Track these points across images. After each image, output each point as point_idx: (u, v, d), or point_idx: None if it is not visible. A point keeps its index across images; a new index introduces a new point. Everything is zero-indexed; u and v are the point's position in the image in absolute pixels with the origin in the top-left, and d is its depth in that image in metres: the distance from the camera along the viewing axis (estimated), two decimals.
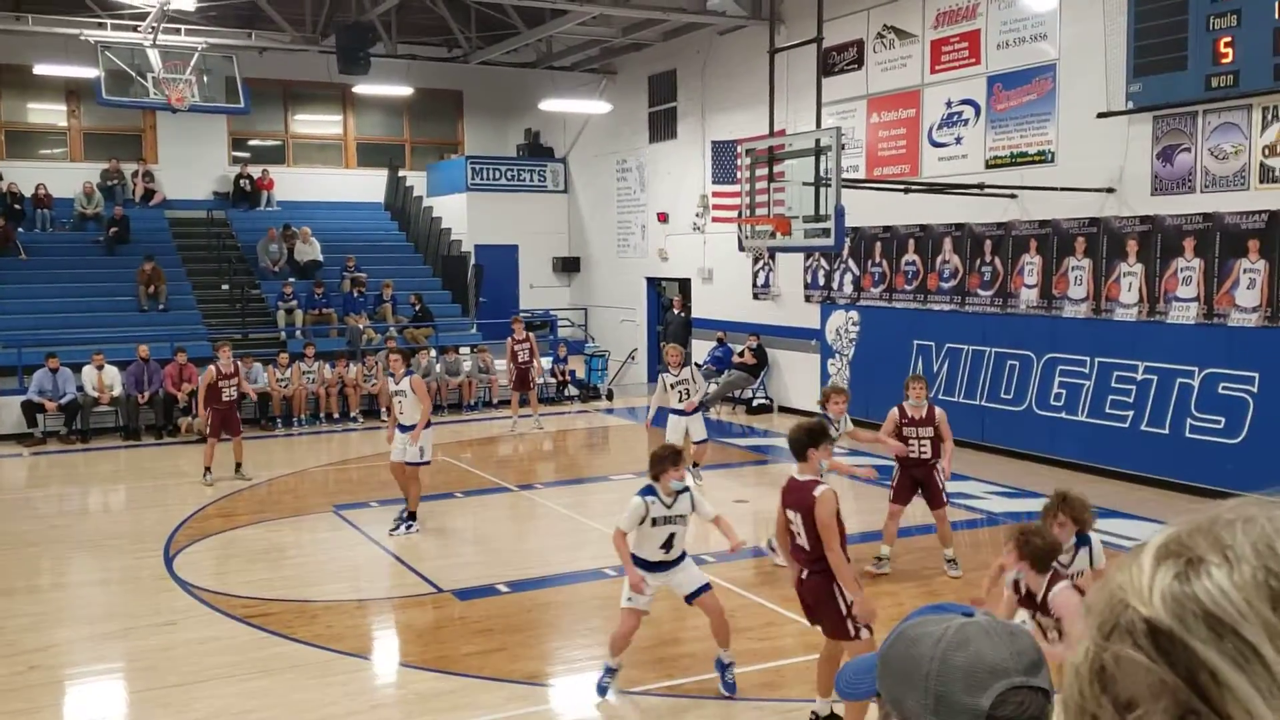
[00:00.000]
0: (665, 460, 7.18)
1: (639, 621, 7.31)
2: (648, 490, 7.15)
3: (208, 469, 14.30)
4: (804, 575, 6.75)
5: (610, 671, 7.38)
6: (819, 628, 6.86)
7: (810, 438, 6.80)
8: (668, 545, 7.24)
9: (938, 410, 10.10)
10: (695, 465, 13.09)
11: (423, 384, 12.22)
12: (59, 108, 25.05)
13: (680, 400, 13.21)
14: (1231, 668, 0.71)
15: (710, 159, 21.06)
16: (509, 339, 18.52)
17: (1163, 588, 0.77)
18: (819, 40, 12.79)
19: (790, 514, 6.74)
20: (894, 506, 10.06)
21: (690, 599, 7.41)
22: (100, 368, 17.82)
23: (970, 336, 15.64)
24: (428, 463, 11.79)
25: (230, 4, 20.39)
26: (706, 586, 7.42)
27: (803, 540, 6.66)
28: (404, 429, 11.68)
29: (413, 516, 11.71)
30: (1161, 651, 0.74)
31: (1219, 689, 0.71)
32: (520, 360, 18.13)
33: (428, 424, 11.70)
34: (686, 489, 7.26)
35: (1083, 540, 6.46)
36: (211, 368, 14.56)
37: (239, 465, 14.54)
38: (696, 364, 16.72)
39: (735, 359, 19.75)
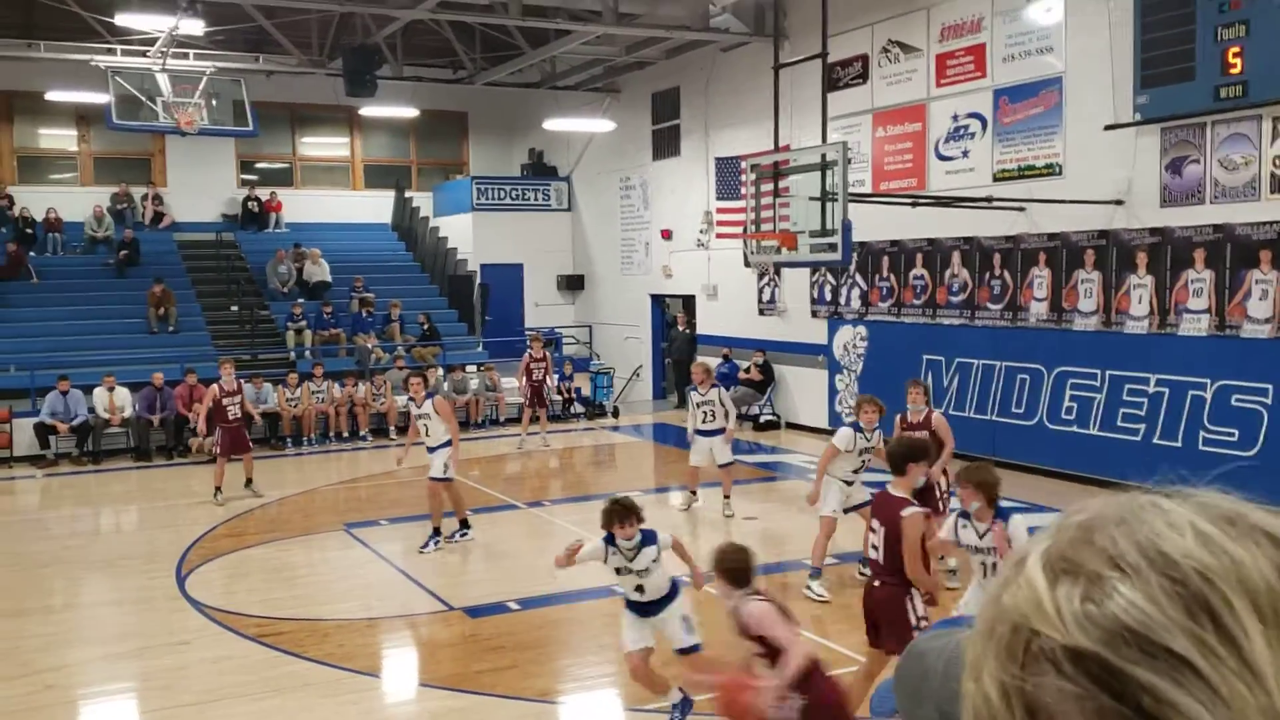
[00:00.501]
0: (610, 515, 6.75)
1: (646, 659, 6.99)
2: (609, 538, 6.79)
3: (218, 489, 14.34)
4: (876, 584, 6.76)
5: (678, 707, 7.01)
6: (870, 640, 6.84)
7: (911, 453, 6.80)
8: (640, 590, 6.92)
9: (935, 415, 10.08)
10: (726, 498, 12.96)
11: (446, 404, 12.25)
12: (69, 133, 25.19)
13: (704, 421, 12.92)
14: (1171, 685, 0.69)
15: (714, 175, 21.11)
16: (525, 356, 18.58)
17: (1073, 610, 0.73)
18: (824, 56, 12.84)
19: (874, 524, 6.78)
20: None
21: (680, 652, 7.04)
22: (111, 389, 17.87)
23: (980, 350, 15.62)
24: (450, 479, 11.78)
25: (238, 28, 20.53)
26: (696, 648, 6.95)
27: (879, 554, 6.67)
28: (432, 450, 11.68)
29: (465, 524, 11.93)
30: (1092, 678, 0.70)
31: (1160, 708, 0.68)
32: (534, 378, 18.19)
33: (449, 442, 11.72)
34: (649, 543, 6.79)
35: (1002, 514, 6.68)
36: (215, 385, 14.66)
37: (249, 480, 14.67)
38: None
39: (741, 375, 19.74)
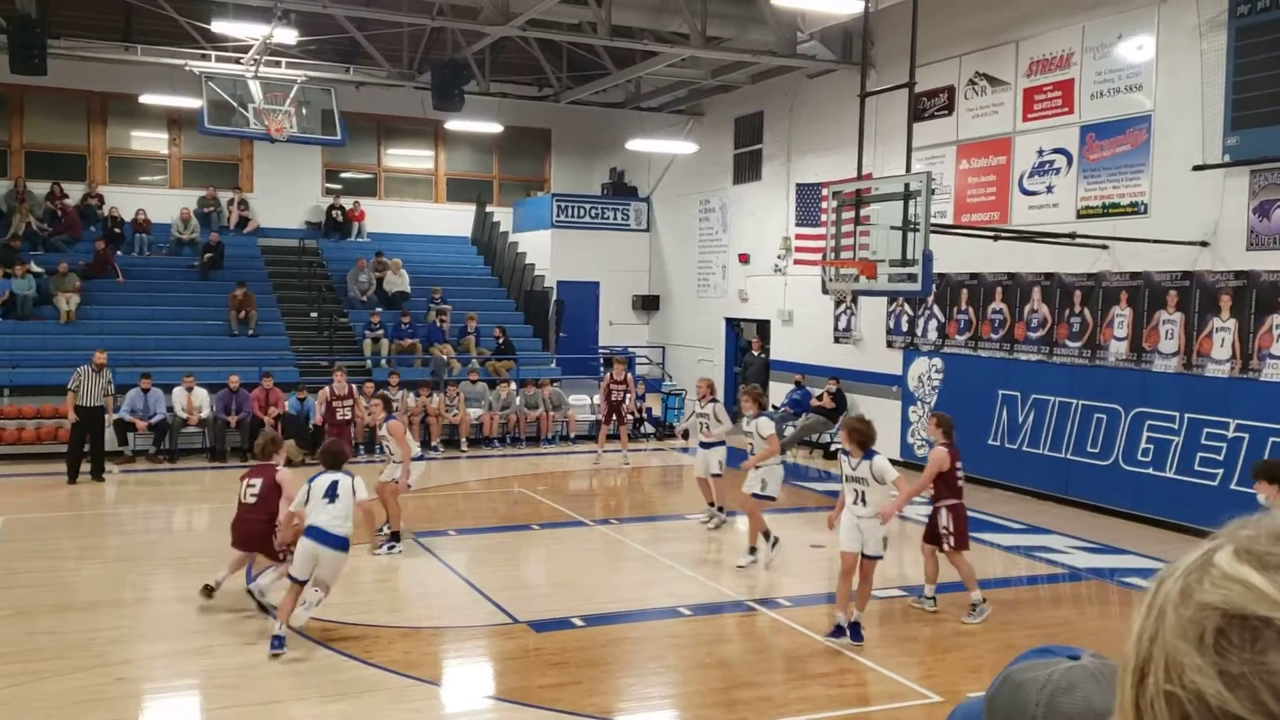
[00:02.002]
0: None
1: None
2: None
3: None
4: None
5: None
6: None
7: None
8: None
9: (935, 450, 10.12)
10: (720, 508, 13.47)
11: (399, 426, 12.57)
12: (161, 136, 25.81)
13: (700, 431, 13.70)
14: None
15: (794, 201, 21.07)
16: (607, 377, 18.71)
17: None
18: (910, 85, 12.78)
19: None
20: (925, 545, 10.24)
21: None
22: (190, 389, 18.23)
23: (1057, 388, 15.40)
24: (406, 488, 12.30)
25: (330, 39, 20.93)
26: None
27: None
28: (396, 462, 12.29)
29: (395, 537, 12.19)
30: None
31: None
32: (614, 398, 18.30)
33: (418, 457, 12.44)
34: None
35: (869, 454, 9.07)
36: (326, 389, 15.04)
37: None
38: (771, 409, 16.73)
39: (814, 402, 19.63)
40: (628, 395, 18.53)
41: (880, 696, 8.02)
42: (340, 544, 8.81)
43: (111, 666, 8.35)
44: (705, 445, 13.50)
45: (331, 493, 8.86)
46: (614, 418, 18.38)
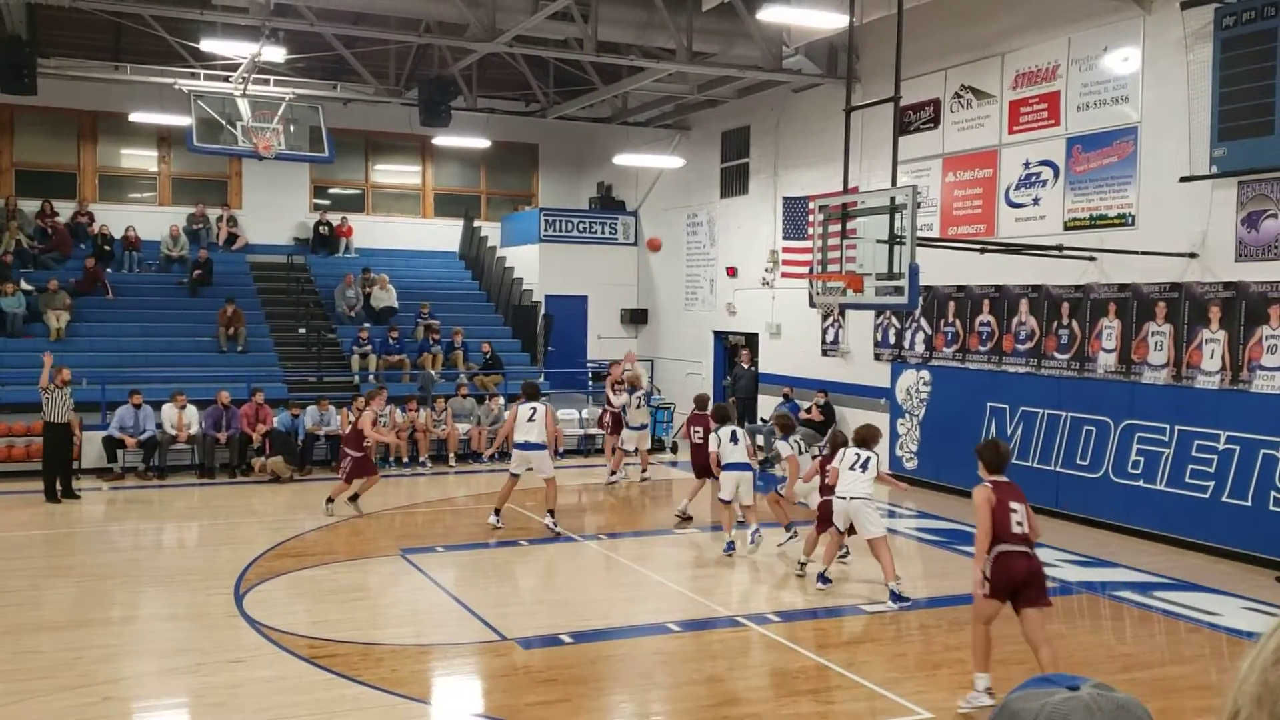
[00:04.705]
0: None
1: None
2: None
3: (331, 499, 15.10)
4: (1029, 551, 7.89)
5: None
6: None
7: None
8: None
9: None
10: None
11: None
12: (150, 154, 25.80)
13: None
14: None
15: (781, 215, 21.11)
16: (609, 379, 18.81)
17: None
18: (896, 99, 12.81)
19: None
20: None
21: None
22: (182, 407, 18.19)
23: (1046, 400, 15.42)
24: None
25: (318, 57, 20.94)
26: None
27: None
28: None
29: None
30: None
31: None
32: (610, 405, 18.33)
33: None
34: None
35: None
36: (370, 411, 15.35)
37: (356, 496, 15.23)
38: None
39: (802, 415, 19.61)
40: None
41: (870, 713, 8.00)
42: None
43: (99, 685, 8.29)
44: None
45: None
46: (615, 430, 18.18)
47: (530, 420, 13.93)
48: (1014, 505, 7.82)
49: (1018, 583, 7.76)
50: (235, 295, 22.37)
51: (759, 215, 21.99)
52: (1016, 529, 7.77)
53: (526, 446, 13.93)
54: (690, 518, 14.76)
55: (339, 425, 18.95)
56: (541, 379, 22.85)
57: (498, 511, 14.17)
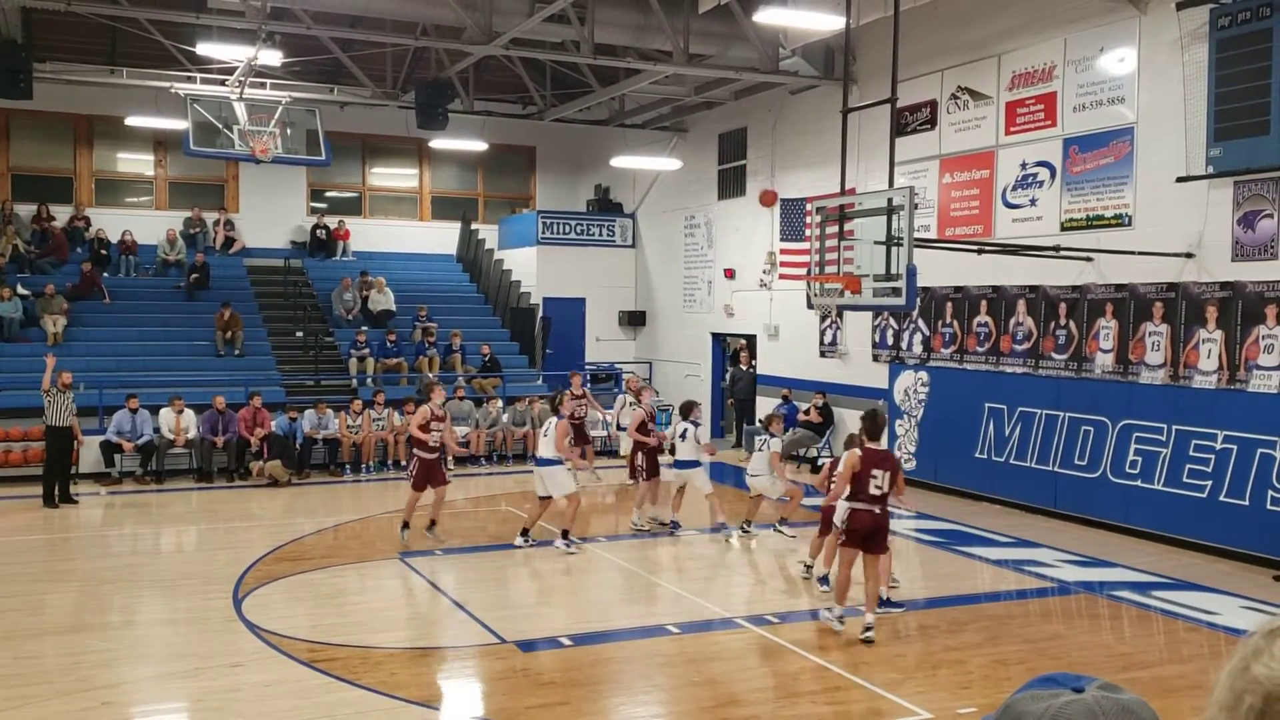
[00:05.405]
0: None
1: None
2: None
3: (406, 524, 13.52)
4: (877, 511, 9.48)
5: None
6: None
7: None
8: None
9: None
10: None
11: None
12: (147, 158, 25.77)
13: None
14: None
15: (779, 216, 21.12)
16: (566, 393, 17.61)
17: None
18: (893, 101, 12.82)
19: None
20: None
21: None
22: (180, 411, 18.17)
23: (1043, 400, 15.42)
24: None
25: (314, 60, 20.93)
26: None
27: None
28: None
29: None
30: None
31: None
32: (575, 415, 17.28)
33: None
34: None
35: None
36: (426, 407, 13.55)
37: (433, 523, 13.65)
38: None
39: (801, 416, 19.63)
40: (589, 411, 18.40)
41: (870, 714, 8.00)
42: None
43: (98, 690, 8.28)
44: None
45: None
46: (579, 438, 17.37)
47: (545, 435, 13.21)
48: (875, 471, 9.50)
49: (865, 533, 9.51)
50: (232, 299, 22.35)
51: (756, 217, 21.99)
52: (875, 491, 9.51)
53: (539, 462, 13.26)
54: (674, 523, 14.65)
55: (337, 429, 18.97)
56: (540, 381, 22.91)
57: (525, 533, 13.30)
